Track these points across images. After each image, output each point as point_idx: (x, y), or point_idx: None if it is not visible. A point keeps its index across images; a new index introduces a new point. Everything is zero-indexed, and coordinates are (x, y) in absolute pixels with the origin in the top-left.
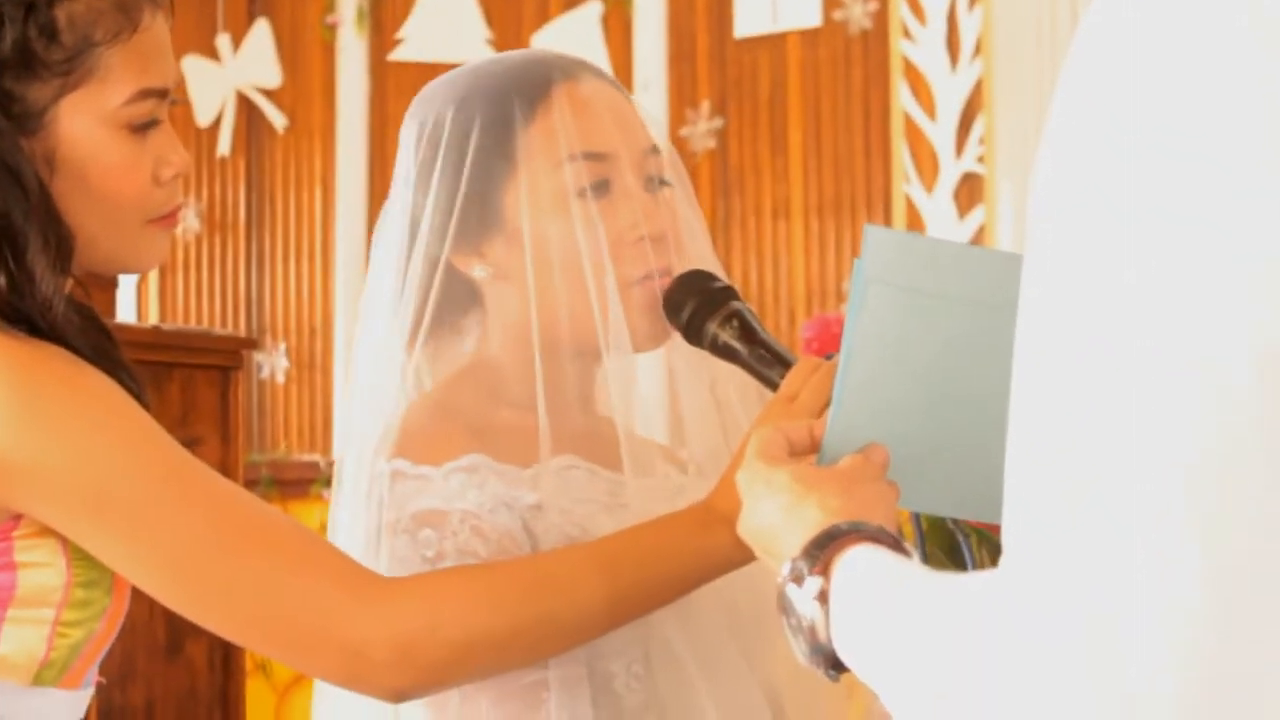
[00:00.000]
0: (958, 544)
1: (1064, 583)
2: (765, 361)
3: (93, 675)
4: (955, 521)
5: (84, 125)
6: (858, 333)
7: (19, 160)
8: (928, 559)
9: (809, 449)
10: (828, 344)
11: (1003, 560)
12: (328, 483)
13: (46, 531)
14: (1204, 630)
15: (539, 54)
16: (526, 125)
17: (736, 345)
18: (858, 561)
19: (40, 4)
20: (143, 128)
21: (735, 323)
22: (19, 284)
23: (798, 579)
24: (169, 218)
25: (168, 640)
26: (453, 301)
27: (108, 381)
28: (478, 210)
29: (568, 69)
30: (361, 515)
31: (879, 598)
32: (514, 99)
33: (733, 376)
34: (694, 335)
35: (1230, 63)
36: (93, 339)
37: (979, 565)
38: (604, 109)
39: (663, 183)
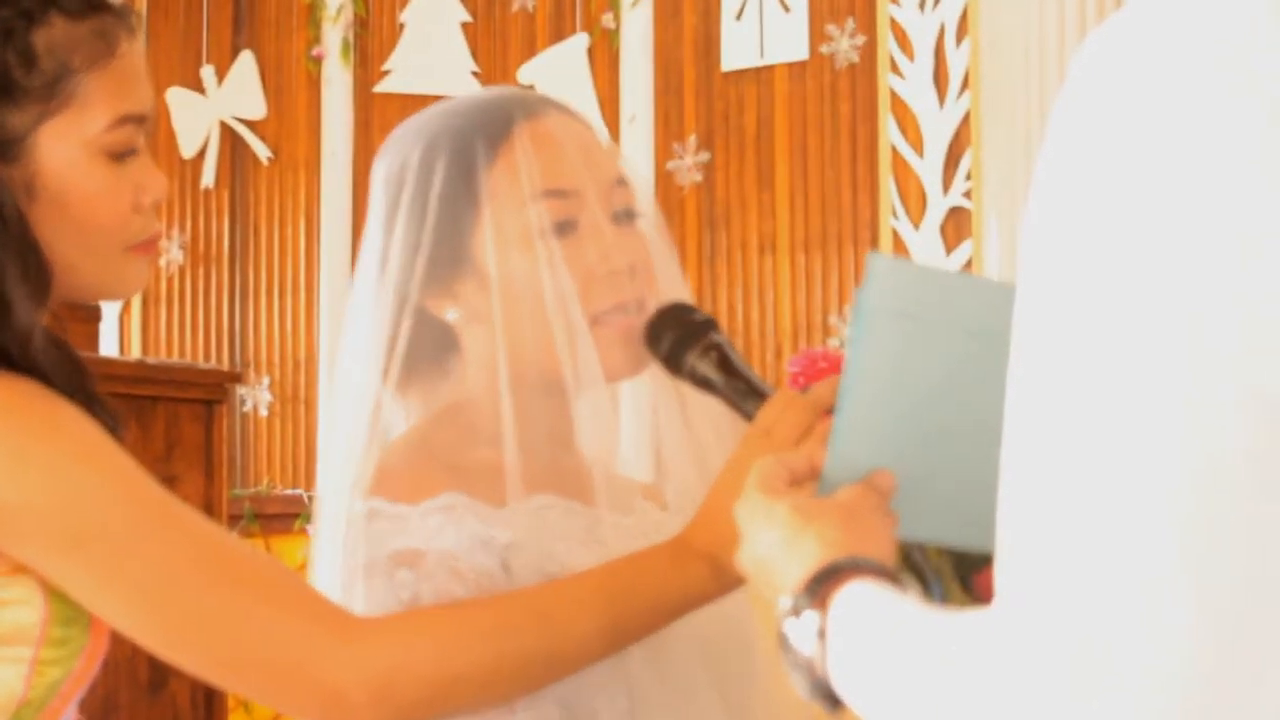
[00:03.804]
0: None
1: (1057, 615)
2: (742, 394)
3: (72, 713)
4: (925, 559)
5: (64, 152)
6: (859, 361)
7: None
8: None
9: (809, 478)
10: (814, 379)
11: (996, 595)
12: (311, 517)
13: (23, 568)
14: (1194, 656)
15: (501, 93)
16: (489, 166)
17: (714, 377)
18: (855, 598)
19: (18, 30)
20: (122, 155)
21: (714, 355)
22: None
23: (796, 614)
24: (149, 244)
25: (150, 678)
26: (430, 342)
27: (83, 417)
28: (447, 252)
29: (529, 107)
30: (339, 555)
31: (876, 634)
32: (476, 140)
33: (708, 411)
34: (673, 366)
35: (1225, 109)
36: (68, 373)
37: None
38: (568, 144)
39: (632, 214)
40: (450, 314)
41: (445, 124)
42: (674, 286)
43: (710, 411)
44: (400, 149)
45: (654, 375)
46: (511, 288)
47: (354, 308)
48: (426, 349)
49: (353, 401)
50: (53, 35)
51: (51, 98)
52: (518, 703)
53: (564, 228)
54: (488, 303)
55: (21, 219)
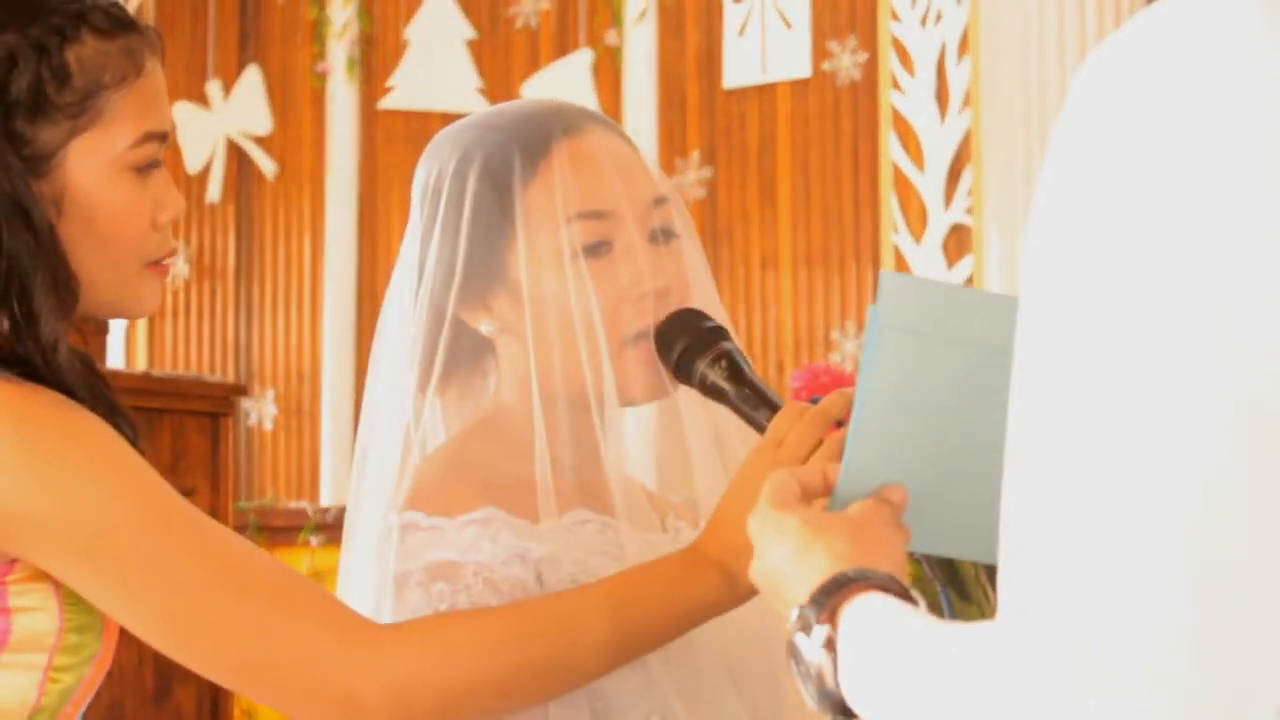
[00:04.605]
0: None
1: (1056, 616)
2: (752, 403)
3: None
4: (933, 570)
5: (92, 168)
6: (872, 378)
7: (30, 201)
8: (951, 600)
9: (821, 493)
10: (816, 394)
11: (999, 609)
12: (315, 529)
13: (40, 576)
14: (1191, 657)
15: (543, 107)
16: (526, 184)
17: (724, 385)
18: (864, 610)
19: (52, 47)
20: (145, 171)
21: (724, 363)
22: (23, 326)
23: (805, 626)
24: (164, 262)
25: (156, 687)
26: (466, 352)
27: (105, 427)
28: (482, 266)
29: (570, 123)
30: (373, 567)
31: (886, 646)
32: (514, 155)
33: (736, 425)
34: (683, 374)
35: (1224, 130)
36: (91, 384)
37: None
38: (607, 163)
39: (670, 234)
40: (484, 326)
41: (485, 136)
42: (709, 306)
43: (737, 424)
44: (439, 158)
45: (684, 391)
46: (544, 306)
47: (389, 317)
48: (462, 360)
49: (389, 412)
50: (84, 52)
51: (82, 114)
52: (551, 708)
53: (598, 249)
54: (521, 318)
55: (52, 232)
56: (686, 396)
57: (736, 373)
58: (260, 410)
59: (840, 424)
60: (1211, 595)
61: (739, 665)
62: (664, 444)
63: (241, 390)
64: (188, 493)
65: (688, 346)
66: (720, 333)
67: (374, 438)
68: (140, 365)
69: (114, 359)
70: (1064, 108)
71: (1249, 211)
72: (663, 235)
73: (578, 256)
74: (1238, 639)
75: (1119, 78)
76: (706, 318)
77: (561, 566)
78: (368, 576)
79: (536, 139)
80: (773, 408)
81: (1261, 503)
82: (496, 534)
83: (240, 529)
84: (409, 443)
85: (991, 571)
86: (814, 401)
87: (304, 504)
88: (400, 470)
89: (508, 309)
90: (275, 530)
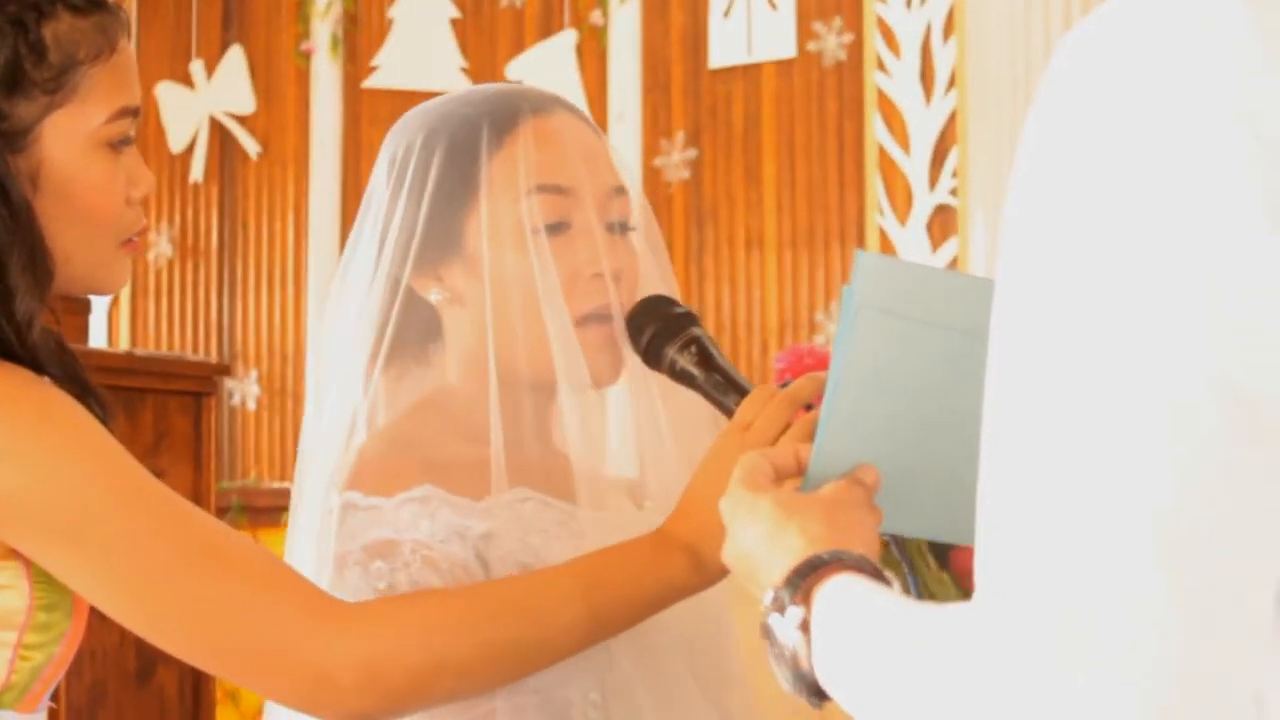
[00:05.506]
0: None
1: (1038, 593)
2: (721, 388)
3: (46, 699)
4: (902, 551)
5: (68, 144)
6: (846, 358)
7: (7, 177)
8: (921, 582)
9: (794, 474)
10: (800, 375)
11: (976, 589)
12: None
13: (10, 554)
14: (1175, 628)
15: (513, 88)
16: (491, 155)
17: (694, 371)
18: (838, 591)
19: (29, 23)
20: (118, 147)
21: (693, 349)
22: None
23: (779, 608)
24: (137, 240)
25: (138, 667)
26: (414, 328)
27: (77, 406)
28: (439, 234)
29: (539, 103)
30: (314, 547)
31: (860, 627)
32: (482, 128)
33: (691, 407)
34: (653, 359)
35: (1201, 108)
36: (63, 362)
37: (931, 589)
38: (571, 144)
39: (626, 227)
40: (433, 295)
41: (454, 110)
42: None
43: (687, 406)
44: (406, 133)
45: (630, 372)
46: (501, 280)
47: (345, 291)
48: (410, 341)
49: (339, 390)
50: (60, 29)
51: (59, 89)
52: (497, 689)
53: (556, 226)
54: (474, 290)
55: (29, 208)
56: (635, 382)
57: (706, 358)
58: (243, 390)
59: (809, 407)
60: (1192, 568)
61: (690, 641)
62: (615, 428)
63: (224, 370)
64: (167, 472)
65: (657, 332)
66: (689, 319)
67: (321, 415)
68: (123, 345)
69: (96, 338)
70: (1045, 80)
71: (1223, 194)
72: (619, 227)
73: (539, 232)
74: (1217, 612)
75: (1103, 52)
76: (676, 304)
77: (501, 544)
78: (309, 556)
79: (505, 114)
80: (742, 393)
81: (1233, 474)
82: (435, 512)
83: (223, 510)
84: (356, 421)
85: (942, 563)
86: (784, 386)
87: (287, 485)
88: (345, 449)
89: (460, 280)
90: (258, 511)
